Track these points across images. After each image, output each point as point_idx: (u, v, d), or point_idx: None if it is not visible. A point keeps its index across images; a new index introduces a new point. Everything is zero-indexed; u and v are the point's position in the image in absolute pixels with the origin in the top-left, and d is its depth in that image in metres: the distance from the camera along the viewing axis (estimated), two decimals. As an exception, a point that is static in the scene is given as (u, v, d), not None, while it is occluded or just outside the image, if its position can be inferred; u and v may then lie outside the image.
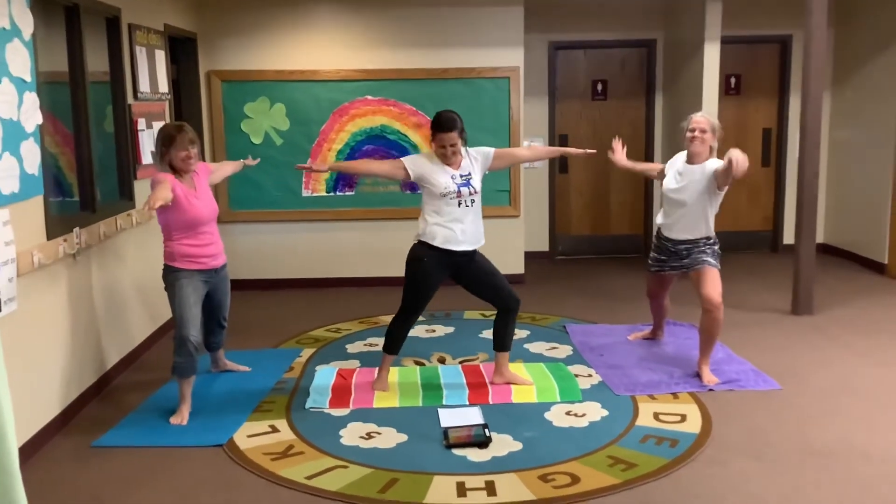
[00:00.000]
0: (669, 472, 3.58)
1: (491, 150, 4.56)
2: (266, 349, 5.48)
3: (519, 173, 7.12)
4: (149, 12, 5.67)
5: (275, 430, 4.12)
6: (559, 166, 8.20)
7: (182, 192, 4.22)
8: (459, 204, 4.36)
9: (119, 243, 5.05)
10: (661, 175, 5.09)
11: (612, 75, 8.21)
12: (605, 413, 4.26)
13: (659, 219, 4.99)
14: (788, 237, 8.14)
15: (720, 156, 4.77)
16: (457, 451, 3.81)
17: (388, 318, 6.06)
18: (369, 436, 4.02)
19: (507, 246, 7.05)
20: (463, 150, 4.41)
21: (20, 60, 3.77)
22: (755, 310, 6.22)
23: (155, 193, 3.95)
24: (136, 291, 5.29)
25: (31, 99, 3.88)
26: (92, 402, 4.54)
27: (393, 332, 4.58)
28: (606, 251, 8.44)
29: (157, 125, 5.71)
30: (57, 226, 4.16)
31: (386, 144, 7.05)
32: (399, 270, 7.19)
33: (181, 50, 6.71)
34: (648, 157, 8.19)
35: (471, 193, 4.38)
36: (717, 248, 4.83)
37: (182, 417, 4.22)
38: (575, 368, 4.95)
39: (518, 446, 3.87)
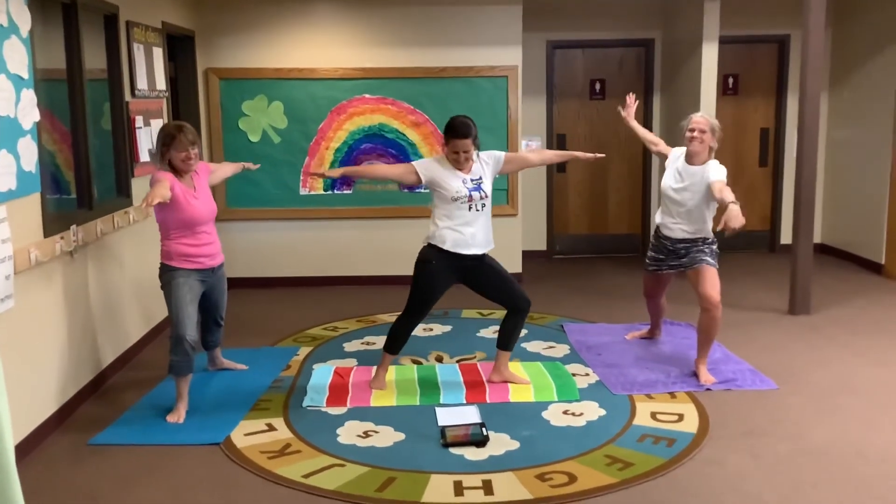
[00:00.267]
0: (666, 472, 3.59)
1: (502, 155, 4.55)
2: (263, 347, 5.47)
3: (517, 172, 7.12)
4: (147, 10, 5.66)
5: (272, 428, 4.11)
6: (557, 166, 8.20)
7: (181, 191, 4.20)
8: (470, 208, 4.36)
9: (116, 241, 5.04)
10: (661, 155, 5.09)
11: (611, 75, 8.21)
12: (603, 412, 4.26)
13: (658, 218, 4.99)
14: (786, 237, 8.14)
15: (719, 157, 4.78)
16: (454, 450, 3.81)
17: (385, 317, 6.11)
18: (366, 434, 4.02)
19: (505, 245, 7.02)
20: (474, 154, 4.41)
21: (18, 57, 3.76)
22: (752, 309, 6.22)
23: (153, 190, 3.94)
24: (133, 289, 5.29)
25: (29, 96, 3.87)
26: (88, 399, 4.53)
27: (395, 332, 4.58)
28: (604, 250, 8.44)
29: (155, 123, 5.71)
30: (54, 223, 4.15)
31: (384, 143, 7.04)
32: (397, 269, 7.19)
33: (179, 47, 6.70)
34: (646, 157, 8.20)
35: (482, 198, 4.38)
36: (715, 247, 4.83)
37: (179, 415, 4.21)
38: (572, 367, 4.95)
39: (515, 445, 3.87)
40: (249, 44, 6.90)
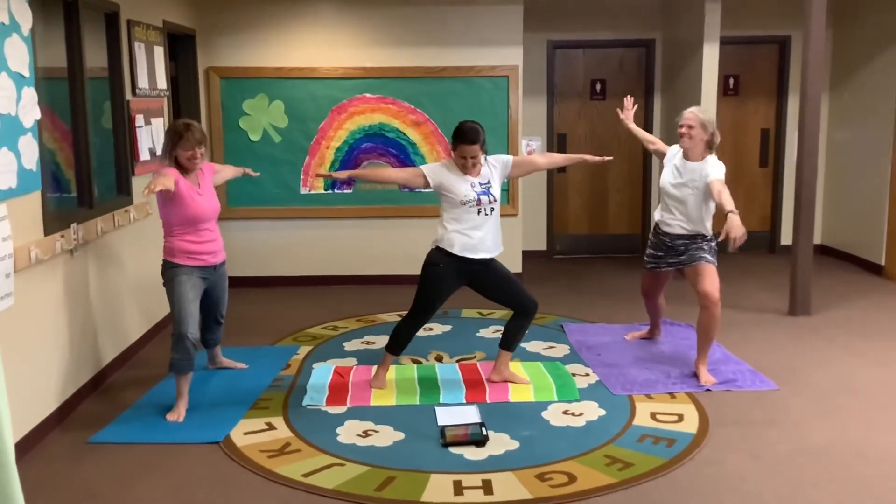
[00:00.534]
0: (666, 472, 3.58)
1: (510, 158, 4.55)
2: (263, 346, 5.47)
3: (525, 176, 7.11)
4: (148, 8, 5.66)
5: (271, 427, 4.11)
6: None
7: (185, 187, 4.23)
8: (479, 212, 4.36)
9: (116, 240, 5.04)
10: (658, 153, 5.10)
11: (611, 75, 8.22)
12: (602, 412, 4.26)
13: (657, 215, 4.99)
14: (786, 238, 8.14)
15: (719, 157, 4.77)
16: (454, 450, 3.81)
17: (385, 317, 6.11)
18: (366, 434, 4.02)
19: (505, 245, 6.93)
20: (482, 158, 4.41)
21: (19, 55, 3.76)
22: (752, 310, 6.22)
23: (157, 179, 3.99)
24: (133, 288, 5.29)
25: (30, 94, 3.87)
26: (88, 398, 4.53)
27: (398, 333, 4.58)
28: (604, 250, 8.44)
29: (156, 122, 5.71)
30: (54, 222, 4.15)
31: (384, 142, 7.04)
32: (397, 268, 7.20)
33: (180, 46, 6.70)
34: (646, 157, 8.20)
35: (490, 201, 4.39)
36: (713, 244, 4.82)
37: (179, 414, 4.21)
38: (572, 367, 4.95)
39: (515, 445, 3.86)
40: (250, 43, 6.90)
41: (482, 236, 4.38)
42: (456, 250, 4.36)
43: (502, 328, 4.74)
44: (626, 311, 6.21)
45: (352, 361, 5.14)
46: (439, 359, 5.17)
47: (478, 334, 5.69)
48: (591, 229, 8.46)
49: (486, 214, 4.39)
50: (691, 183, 4.71)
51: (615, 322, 5.95)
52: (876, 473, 3.55)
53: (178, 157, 4.26)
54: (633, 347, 5.34)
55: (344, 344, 5.52)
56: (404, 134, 7.03)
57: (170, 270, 4.30)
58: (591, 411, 4.28)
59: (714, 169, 4.62)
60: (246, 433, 4.03)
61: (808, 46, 5.89)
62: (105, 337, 4.84)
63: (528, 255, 7.65)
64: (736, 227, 4.20)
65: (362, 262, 7.19)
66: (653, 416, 4.20)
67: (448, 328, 5.85)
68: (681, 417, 4.18)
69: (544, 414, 4.25)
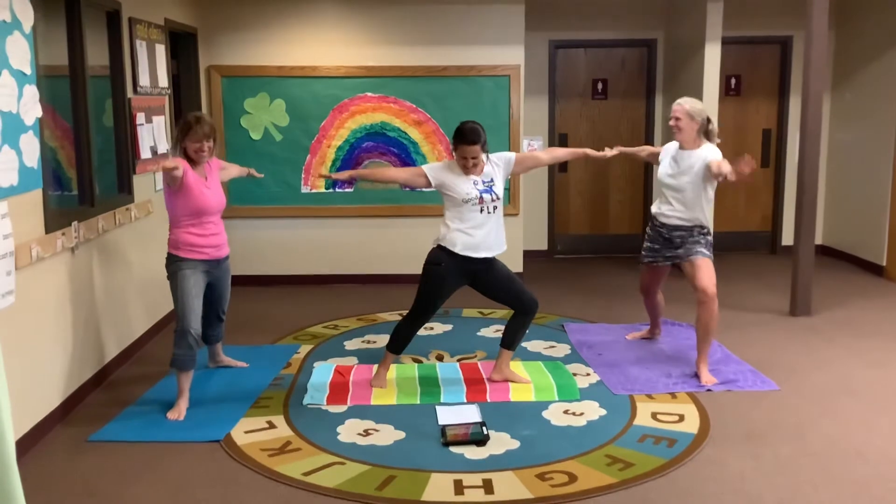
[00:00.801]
0: (667, 472, 3.58)
1: (513, 156, 4.55)
2: (264, 345, 5.47)
3: (527, 172, 7.11)
4: (149, 7, 5.66)
5: (272, 426, 4.11)
6: (559, 165, 8.20)
7: (193, 179, 4.28)
8: (482, 210, 4.36)
9: (118, 237, 5.04)
10: (652, 157, 5.12)
11: (613, 74, 8.21)
12: (603, 412, 4.26)
13: (654, 207, 5.00)
14: (787, 238, 8.14)
15: (725, 154, 4.77)
16: (454, 449, 3.81)
17: (386, 316, 6.11)
18: (367, 433, 4.02)
19: (507, 244, 7.02)
20: (484, 156, 4.41)
21: (20, 53, 3.76)
22: (753, 310, 6.22)
23: (167, 160, 4.08)
24: (134, 285, 5.29)
25: (31, 92, 3.87)
26: (90, 394, 4.53)
27: (399, 332, 4.58)
28: (605, 250, 8.44)
29: (157, 120, 5.72)
30: (56, 219, 4.15)
31: (386, 141, 7.04)
32: (398, 267, 7.20)
33: (181, 45, 6.70)
34: (648, 157, 8.19)
35: (493, 200, 4.39)
36: (710, 238, 4.83)
37: (179, 412, 4.22)
38: (573, 367, 4.95)
39: (515, 444, 3.86)
40: (252, 41, 6.90)
41: (484, 235, 4.38)
42: (458, 249, 4.36)
43: (503, 327, 4.75)
44: (627, 311, 6.21)
45: (352, 360, 5.14)
46: (440, 358, 5.17)
47: (479, 333, 5.69)
48: (592, 229, 8.46)
49: (489, 213, 4.38)
50: (689, 170, 4.71)
51: (616, 322, 5.95)
52: (876, 474, 3.55)
53: (187, 148, 4.32)
54: (633, 347, 5.34)
55: (345, 343, 5.52)
56: (406, 133, 7.03)
57: (174, 264, 4.32)
58: (592, 411, 4.28)
59: (712, 152, 4.67)
60: (247, 432, 4.03)
61: (810, 47, 5.89)
62: (107, 334, 4.84)
63: (528, 255, 7.64)
64: (722, 166, 4.43)
65: (363, 261, 7.19)
66: (654, 416, 4.20)
67: (449, 327, 5.85)
68: (682, 417, 4.18)
69: (545, 413, 4.25)
